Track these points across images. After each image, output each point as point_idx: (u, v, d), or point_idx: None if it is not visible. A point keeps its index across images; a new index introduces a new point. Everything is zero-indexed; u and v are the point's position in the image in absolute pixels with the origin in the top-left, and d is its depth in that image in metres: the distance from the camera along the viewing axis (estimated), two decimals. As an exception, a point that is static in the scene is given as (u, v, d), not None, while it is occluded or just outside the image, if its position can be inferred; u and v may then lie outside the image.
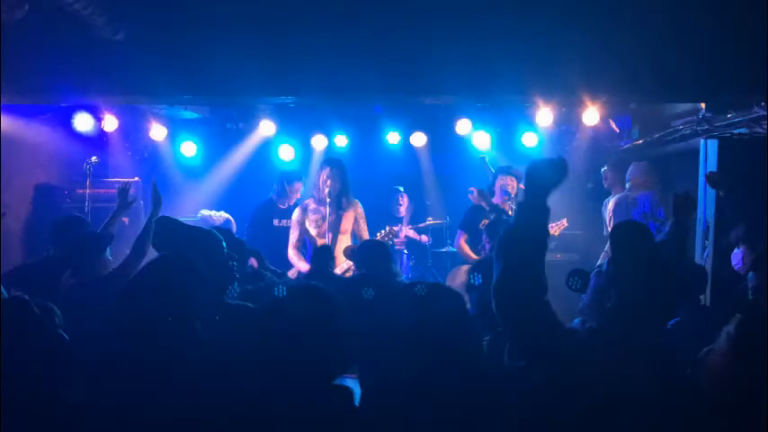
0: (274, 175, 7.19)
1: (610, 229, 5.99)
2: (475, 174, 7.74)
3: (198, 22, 5.08)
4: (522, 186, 6.16)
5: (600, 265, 2.85)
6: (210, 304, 2.73)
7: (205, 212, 7.59)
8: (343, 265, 5.90)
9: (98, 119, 6.85)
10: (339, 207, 6.14)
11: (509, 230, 2.44)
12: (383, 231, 6.23)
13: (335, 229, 6.10)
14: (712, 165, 5.60)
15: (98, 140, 7.18)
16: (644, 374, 2.57)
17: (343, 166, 6.26)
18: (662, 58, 4.86)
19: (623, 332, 2.53)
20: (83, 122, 6.71)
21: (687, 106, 5.85)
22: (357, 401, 2.49)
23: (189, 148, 7.76)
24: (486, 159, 7.43)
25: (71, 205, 7.03)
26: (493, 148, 7.70)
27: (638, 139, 6.93)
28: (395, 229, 6.52)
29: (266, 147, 7.90)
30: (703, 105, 5.51)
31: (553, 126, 6.87)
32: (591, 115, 6.01)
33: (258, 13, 5.10)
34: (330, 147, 7.78)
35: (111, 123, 6.91)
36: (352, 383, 2.96)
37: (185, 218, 6.16)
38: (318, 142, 7.77)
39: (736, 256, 4.60)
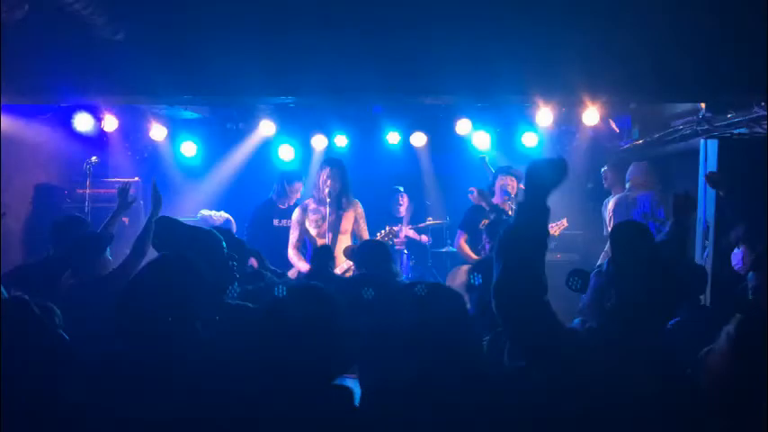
0: (274, 175, 7.19)
1: (610, 229, 5.99)
2: (475, 174, 7.74)
3: (198, 21, 5.08)
4: (522, 186, 6.16)
5: (600, 265, 2.85)
6: (210, 304, 2.73)
7: (205, 212, 7.58)
8: (343, 265, 5.90)
9: (98, 119, 6.85)
10: (339, 207, 6.14)
11: (509, 230, 2.45)
12: (383, 231, 6.23)
13: (335, 229, 6.10)
14: (712, 165, 5.60)
15: (98, 140, 7.18)
16: (644, 374, 2.57)
17: (344, 166, 6.25)
18: (662, 58, 4.86)
19: (623, 332, 2.53)
20: (83, 122, 6.71)
21: (687, 106, 5.85)
22: (357, 401, 2.49)
23: (189, 148, 7.76)
24: (486, 159, 7.43)
25: (71, 205, 7.03)
26: (493, 148, 7.70)
27: (638, 139, 6.93)
28: (395, 229, 6.52)
29: (266, 147, 7.90)
30: (703, 105, 5.51)
31: (553, 126, 6.88)
32: (591, 115, 6.02)
33: (258, 12, 5.10)
34: (330, 147, 7.79)
35: (111, 123, 6.91)
36: (352, 383, 2.96)
37: (185, 218, 6.17)
38: (318, 142, 7.77)
39: (736, 256, 4.60)
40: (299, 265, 6.17)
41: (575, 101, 5.59)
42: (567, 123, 7.19)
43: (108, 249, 4.45)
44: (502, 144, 7.78)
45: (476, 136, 7.48)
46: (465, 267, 6.52)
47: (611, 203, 6.74)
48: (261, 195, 7.20)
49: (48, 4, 4.55)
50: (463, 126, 7.19)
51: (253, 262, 4.40)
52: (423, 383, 2.47)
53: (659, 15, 4.76)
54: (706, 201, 5.70)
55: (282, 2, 5.08)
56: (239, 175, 8.10)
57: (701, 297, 4.63)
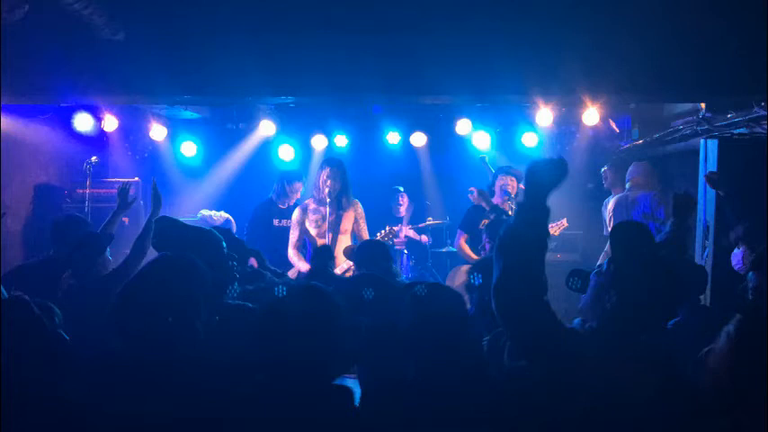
0: (274, 175, 7.19)
1: (610, 229, 5.99)
2: (475, 174, 7.75)
3: (197, 21, 5.08)
4: (521, 186, 6.16)
5: (600, 265, 2.85)
6: (210, 304, 2.72)
7: (205, 212, 7.59)
8: (343, 265, 5.90)
9: (98, 119, 6.85)
10: (339, 207, 6.14)
11: (509, 230, 2.45)
12: (383, 231, 6.23)
13: (335, 229, 6.10)
14: (712, 165, 5.60)
15: (98, 140, 7.18)
16: (644, 374, 2.57)
17: (344, 165, 6.25)
18: (662, 57, 4.86)
19: (623, 332, 2.53)
20: (83, 122, 6.71)
21: (687, 106, 5.85)
22: (357, 401, 2.49)
23: (189, 148, 7.76)
24: (486, 159, 7.43)
25: (71, 205, 7.03)
26: (493, 148, 7.70)
27: (638, 139, 6.93)
28: (395, 229, 6.52)
29: (266, 147, 7.90)
30: (703, 105, 5.51)
31: (553, 126, 6.87)
32: (591, 115, 6.01)
33: (257, 12, 5.10)
34: (330, 147, 7.79)
35: (110, 123, 6.91)
36: (352, 383, 2.96)
37: (185, 218, 6.17)
38: (318, 142, 7.78)
39: (736, 256, 4.60)
40: (299, 265, 6.17)
41: (575, 101, 5.59)
42: (567, 123, 7.19)
43: (108, 249, 4.45)
44: (502, 144, 7.78)
45: (476, 136, 7.48)
46: (465, 267, 6.52)
47: (611, 203, 6.74)
48: (261, 195, 7.21)
49: (48, 4, 4.56)
50: (463, 126, 7.19)
51: (253, 262, 4.40)
52: (422, 383, 2.47)
53: (659, 15, 4.76)
54: (706, 201, 5.70)
55: (282, 2, 5.08)
56: (239, 175, 8.10)
57: (701, 297, 4.64)
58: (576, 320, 2.76)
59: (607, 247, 5.43)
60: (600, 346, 2.52)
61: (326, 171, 6.16)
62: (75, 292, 3.95)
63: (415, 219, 8.02)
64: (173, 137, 7.72)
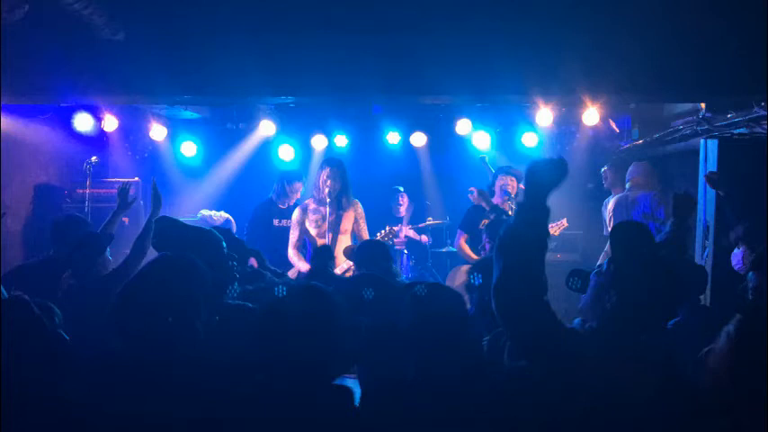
0: (274, 176, 7.19)
1: (610, 229, 5.99)
2: (475, 174, 7.75)
3: (197, 21, 5.09)
4: (521, 186, 6.15)
5: (600, 265, 2.85)
6: (210, 304, 2.72)
7: (205, 212, 7.59)
8: (343, 266, 5.90)
9: (98, 119, 6.85)
10: (339, 207, 6.14)
11: (509, 230, 2.45)
12: (383, 231, 6.23)
13: (335, 229, 6.10)
14: (712, 165, 5.60)
15: (98, 140, 7.18)
16: (644, 374, 2.57)
17: (344, 165, 6.25)
18: (662, 57, 4.86)
19: (623, 332, 2.53)
20: (83, 122, 6.71)
21: (687, 106, 5.85)
22: (357, 401, 2.49)
23: (189, 148, 7.76)
24: (486, 159, 7.43)
25: (71, 205, 7.03)
26: (493, 148, 7.70)
27: (638, 139, 6.93)
28: (395, 229, 6.52)
29: (266, 147, 7.90)
30: (703, 105, 5.51)
31: (553, 126, 6.87)
32: (591, 115, 6.01)
33: (258, 12, 5.10)
34: (330, 147, 7.79)
35: (111, 123, 6.91)
36: (352, 383, 2.96)
37: (185, 218, 6.17)
38: (318, 142, 7.78)
39: (736, 256, 4.60)
40: (299, 265, 6.17)
41: (575, 101, 5.59)
42: (567, 123, 7.20)
43: (108, 249, 4.45)
44: (502, 144, 7.78)
45: (476, 136, 7.48)
46: (465, 267, 6.52)
47: (611, 203, 6.74)
48: (261, 195, 7.21)
49: (48, 4, 4.56)
50: (463, 126, 7.19)
51: (253, 262, 4.41)
52: (422, 383, 2.47)
53: (659, 15, 4.77)
54: (706, 201, 5.70)
55: (282, 1, 5.08)
56: (239, 175, 8.10)
57: (701, 297, 4.64)
58: (576, 320, 2.76)
59: (607, 247, 5.43)
60: (600, 346, 2.52)
61: (326, 171, 6.16)
62: (76, 292, 3.95)
63: (415, 219, 8.02)
64: (173, 137, 7.72)
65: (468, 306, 3.52)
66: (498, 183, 6.53)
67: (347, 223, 6.16)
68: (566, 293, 2.93)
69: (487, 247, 5.47)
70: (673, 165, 6.98)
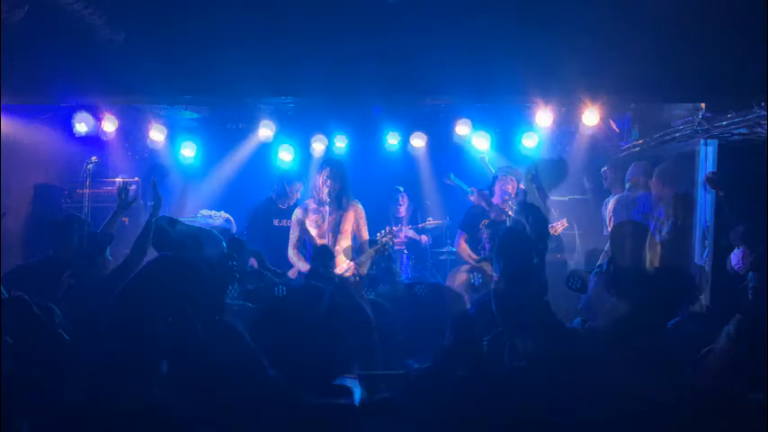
0: (274, 177, 7.18)
1: (610, 229, 6.00)
2: (475, 174, 7.75)
3: (198, 22, 5.09)
4: (522, 186, 6.14)
5: (600, 265, 2.85)
6: (211, 304, 2.72)
7: (205, 212, 7.58)
8: (342, 266, 5.90)
9: (98, 119, 6.84)
10: (339, 207, 6.13)
11: (509, 231, 2.46)
12: (383, 232, 6.21)
13: (336, 230, 6.10)
14: (711, 165, 5.60)
15: (98, 141, 7.17)
16: (644, 374, 2.58)
17: (343, 166, 6.25)
18: (662, 58, 4.87)
19: (623, 332, 2.54)
20: (83, 123, 6.70)
21: (687, 107, 5.85)
22: (357, 401, 2.50)
23: (189, 149, 7.75)
24: (486, 159, 7.43)
25: (71, 205, 7.01)
26: (493, 148, 7.69)
27: (637, 140, 6.93)
28: (395, 229, 6.51)
29: (266, 148, 7.88)
30: (703, 106, 5.51)
31: (553, 127, 6.87)
32: (591, 116, 6.01)
33: (257, 14, 5.10)
34: (330, 148, 7.77)
35: (111, 124, 6.90)
36: (352, 383, 2.97)
37: (185, 218, 6.16)
38: (318, 144, 7.76)
39: (736, 256, 4.60)
40: (299, 264, 6.16)
41: (575, 101, 5.59)
42: (567, 124, 7.19)
43: (108, 249, 4.45)
44: (502, 145, 7.76)
45: (476, 137, 7.47)
46: (465, 268, 6.52)
47: (611, 203, 6.73)
48: (260, 196, 7.19)
49: (48, 4, 4.56)
50: (463, 127, 7.17)
51: (253, 262, 4.41)
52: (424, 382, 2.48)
53: (660, 16, 4.77)
54: (705, 201, 5.70)
55: (282, 3, 5.08)
56: (239, 175, 8.08)
57: (702, 297, 4.64)
58: (576, 320, 2.76)
59: (607, 246, 5.42)
60: (600, 346, 2.52)
61: (326, 171, 6.15)
62: (76, 292, 3.95)
63: (414, 219, 8.02)
64: (172, 137, 7.70)
65: (468, 306, 3.53)
66: (498, 183, 6.51)
67: (347, 224, 6.15)
68: (565, 293, 2.93)
69: (487, 246, 5.47)
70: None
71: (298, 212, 6.29)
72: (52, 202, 7.04)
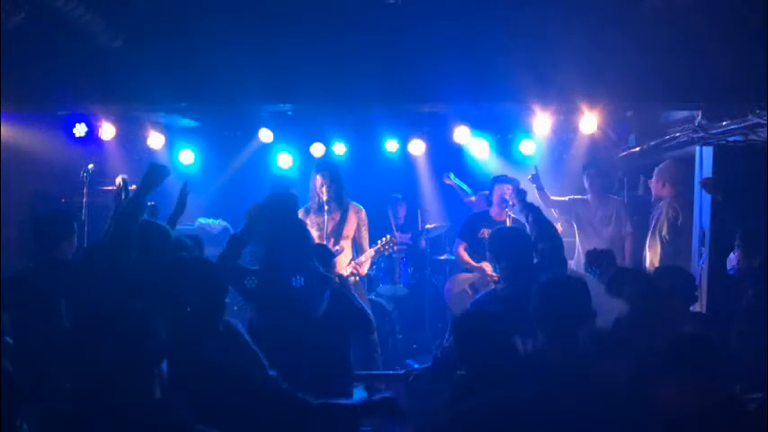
0: (273, 183, 7.17)
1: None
2: (474, 179, 7.80)
3: (196, 29, 5.10)
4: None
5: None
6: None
7: (202, 221, 7.58)
8: (342, 266, 5.89)
9: (96, 127, 6.84)
10: (340, 207, 6.12)
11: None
12: (383, 240, 6.19)
13: (337, 233, 6.09)
14: (707, 171, 5.63)
15: (96, 144, 7.15)
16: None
17: (336, 168, 6.25)
18: (659, 64, 4.90)
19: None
20: (83, 123, 6.70)
21: (683, 114, 5.88)
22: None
23: (187, 156, 7.75)
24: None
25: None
26: (491, 155, 7.72)
27: (635, 146, 6.97)
28: (395, 239, 6.48)
29: (265, 155, 7.89)
30: (699, 113, 5.54)
31: (551, 134, 6.90)
32: (588, 122, 6.03)
33: (256, 20, 5.12)
34: (328, 154, 7.78)
35: (108, 131, 6.90)
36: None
37: (183, 226, 6.14)
38: (317, 150, 7.77)
39: (731, 261, 4.62)
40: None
41: (572, 107, 5.62)
42: (565, 131, 7.22)
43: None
44: (500, 151, 7.79)
45: (474, 143, 7.49)
46: (463, 275, 6.54)
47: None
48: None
49: (46, 11, 4.56)
50: (461, 133, 7.19)
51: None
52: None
53: (657, 22, 4.80)
54: (702, 207, 5.73)
55: (280, 10, 5.10)
56: (237, 182, 8.08)
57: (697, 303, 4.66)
58: None
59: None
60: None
61: (320, 176, 6.15)
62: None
63: (412, 225, 8.06)
64: (170, 145, 7.70)
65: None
66: (496, 192, 6.53)
67: (349, 229, 6.14)
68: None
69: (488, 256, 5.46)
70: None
71: (300, 214, 6.28)
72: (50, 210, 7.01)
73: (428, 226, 7.97)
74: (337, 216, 6.10)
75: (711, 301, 5.30)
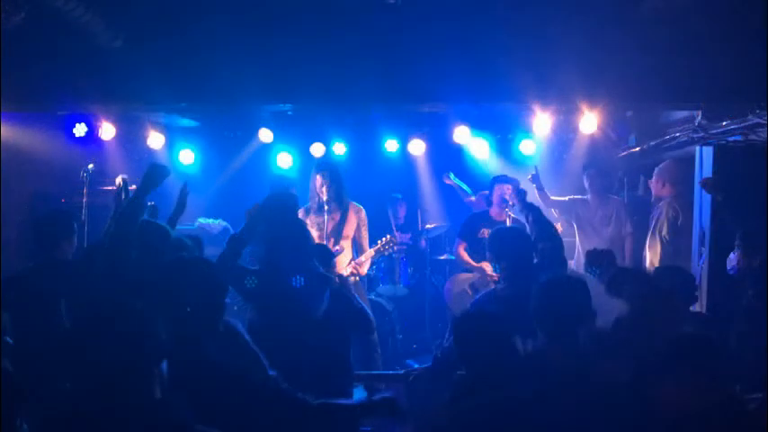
0: (273, 183, 7.17)
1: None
2: (474, 180, 7.80)
3: (196, 29, 5.10)
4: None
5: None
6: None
7: (202, 221, 7.58)
8: (343, 269, 5.89)
9: (96, 127, 6.84)
10: (339, 208, 6.12)
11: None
12: (383, 240, 6.19)
13: (337, 233, 6.09)
14: (707, 171, 5.63)
15: (96, 144, 7.16)
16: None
17: (335, 167, 6.26)
18: (659, 64, 4.90)
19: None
20: (83, 123, 6.70)
21: (683, 114, 5.89)
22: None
23: (187, 156, 7.75)
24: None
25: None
26: (491, 154, 7.73)
27: (635, 147, 6.97)
28: (395, 238, 6.49)
29: (265, 155, 7.89)
30: (699, 113, 5.54)
31: (550, 133, 6.90)
32: (588, 122, 6.04)
33: (256, 21, 5.12)
34: (328, 154, 7.78)
35: (108, 131, 6.90)
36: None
37: (183, 226, 6.14)
38: (317, 150, 7.77)
39: (731, 261, 4.62)
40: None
41: (572, 107, 5.62)
42: (565, 131, 7.22)
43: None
44: (500, 151, 7.80)
45: (474, 143, 7.50)
46: (463, 275, 6.54)
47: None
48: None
49: (46, 11, 4.56)
50: (461, 133, 7.20)
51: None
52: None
53: (657, 23, 4.80)
54: (702, 207, 5.73)
55: (280, 10, 5.11)
56: (238, 183, 8.08)
57: (697, 303, 4.66)
58: None
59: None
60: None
61: (320, 176, 6.16)
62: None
63: (413, 225, 8.06)
64: (170, 145, 7.70)
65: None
66: (496, 192, 6.53)
67: (349, 229, 6.14)
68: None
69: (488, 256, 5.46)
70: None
71: (300, 214, 6.28)
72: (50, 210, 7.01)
73: (428, 226, 7.98)
74: (337, 216, 6.10)
75: (711, 301, 5.30)
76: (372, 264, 6.59)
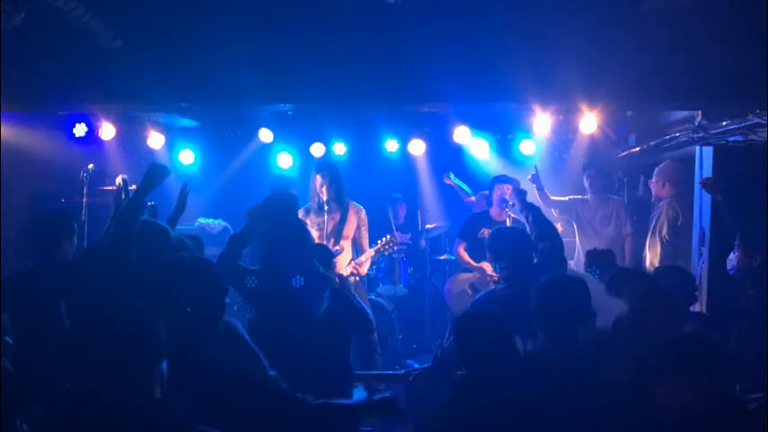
0: (273, 184, 7.17)
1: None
2: (473, 180, 7.80)
3: (195, 29, 5.10)
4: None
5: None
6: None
7: (202, 221, 7.58)
8: (343, 269, 5.89)
9: (96, 127, 6.84)
10: (339, 208, 6.12)
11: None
12: (383, 240, 6.20)
13: (337, 234, 6.09)
14: (707, 171, 5.64)
15: (96, 144, 7.16)
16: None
17: (336, 167, 6.26)
18: (659, 65, 4.90)
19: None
20: (83, 123, 6.71)
21: (683, 114, 5.89)
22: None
23: (187, 156, 7.76)
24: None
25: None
26: (491, 154, 7.73)
27: (635, 147, 6.97)
28: (395, 238, 6.49)
29: (265, 155, 7.90)
30: (699, 113, 5.54)
31: (550, 133, 6.91)
32: (588, 123, 6.04)
33: (256, 20, 5.12)
34: (328, 154, 7.79)
35: (108, 131, 6.91)
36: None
37: (183, 226, 6.15)
38: (317, 150, 7.77)
39: (731, 261, 4.62)
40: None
41: (572, 107, 5.62)
42: (565, 131, 7.23)
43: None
44: (500, 151, 7.80)
45: (474, 143, 7.50)
46: (463, 275, 6.54)
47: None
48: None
49: (46, 11, 4.56)
50: (461, 133, 7.20)
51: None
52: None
53: (657, 23, 4.80)
54: (702, 207, 5.73)
55: (280, 10, 5.11)
56: (238, 183, 8.09)
57: (697, 303, 4.66)
58: None
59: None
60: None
61: (320, 176, 6.16)
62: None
63: (414, 225, 8.06)
64: (171, 145, 7.71)
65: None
66: (496, 192, 6.54)
67: (349, 229, 6.15)
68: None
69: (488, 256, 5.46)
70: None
71: (300, 214, 6.28)
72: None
73: (428, 226, 7.99)
74: (337, 216, 6.10)
75: (711, 301, 5.30)
76: (372, 264, 6.59)
